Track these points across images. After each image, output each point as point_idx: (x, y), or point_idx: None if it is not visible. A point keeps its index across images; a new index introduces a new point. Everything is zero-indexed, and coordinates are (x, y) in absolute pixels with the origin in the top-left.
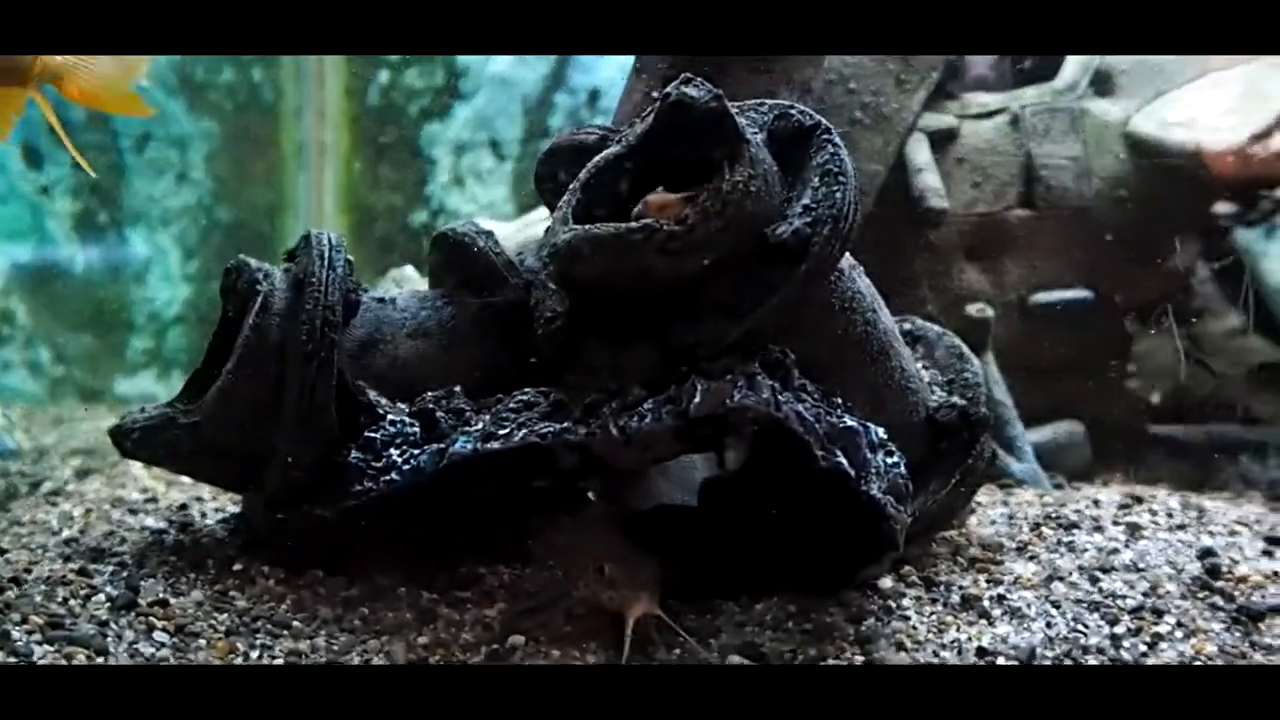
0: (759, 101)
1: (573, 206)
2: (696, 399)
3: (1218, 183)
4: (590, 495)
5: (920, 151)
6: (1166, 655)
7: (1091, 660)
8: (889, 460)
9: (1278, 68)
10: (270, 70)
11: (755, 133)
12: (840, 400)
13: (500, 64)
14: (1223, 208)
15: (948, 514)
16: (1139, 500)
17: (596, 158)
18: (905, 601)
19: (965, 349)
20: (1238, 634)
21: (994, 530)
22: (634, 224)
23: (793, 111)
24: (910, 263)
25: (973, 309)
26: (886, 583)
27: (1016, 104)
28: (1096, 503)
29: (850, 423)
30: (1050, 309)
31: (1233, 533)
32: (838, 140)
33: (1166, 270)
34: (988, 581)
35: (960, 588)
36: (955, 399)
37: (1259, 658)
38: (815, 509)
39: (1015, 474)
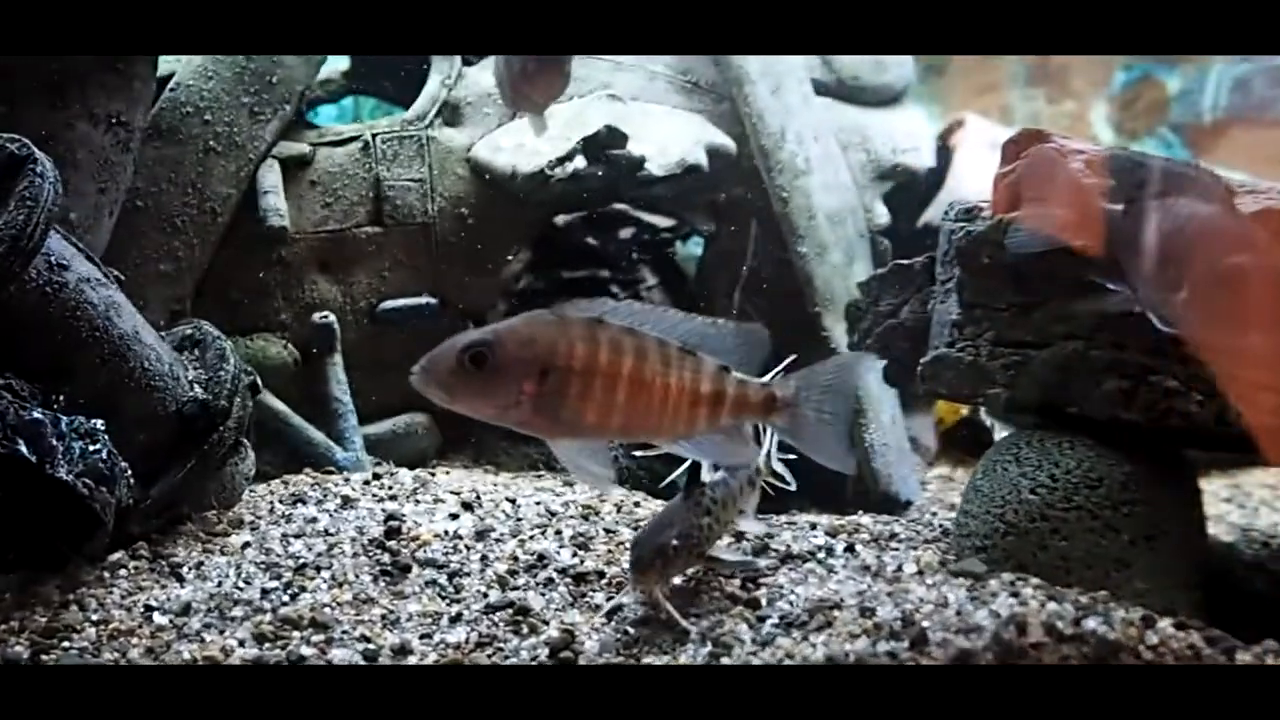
0: None
1: None
2: None
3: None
4: None
5: (270, 176)
6: (317, 597)
7: (239, 611)
8: (87, 447)
9: (599, 100)
10: None
11: None
12: (59, 398)
13: None
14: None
15: (196, 493)
16: (389, 476)
17: None
18: (123, 571)
19: (229, 352)
20: (384, 584)
21: (250, 508)
22: None
23: (8, 145)
24: (264, 276)
25: (317, 316)
26: (117, 555)
27: (369, 132)
28: (367, 482)
29: (37, 415)
30: (396, 314)
31: (438, 500)
32: (41, 171)
33: (500, 277)
34: (205, 551)
35: (177, 557)
36: (202, 394)
37: (387, 602)
38: (30, 495)
39: (339, 461)
